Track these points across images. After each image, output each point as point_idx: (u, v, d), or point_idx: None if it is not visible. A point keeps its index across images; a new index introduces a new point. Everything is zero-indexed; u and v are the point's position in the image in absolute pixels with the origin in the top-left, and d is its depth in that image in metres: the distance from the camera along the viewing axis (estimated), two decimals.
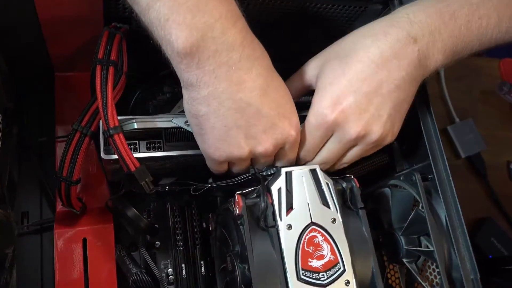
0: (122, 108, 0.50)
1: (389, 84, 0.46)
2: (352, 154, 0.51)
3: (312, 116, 0.48)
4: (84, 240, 0.55)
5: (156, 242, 0.60)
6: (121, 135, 0.44)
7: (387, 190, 0.58)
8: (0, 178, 0.52)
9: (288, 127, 0.46)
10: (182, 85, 0.43)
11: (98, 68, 0.45)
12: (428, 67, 0.48)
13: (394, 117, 0.48)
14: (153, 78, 0.65)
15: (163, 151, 0.48)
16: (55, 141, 0.60)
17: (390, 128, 0.48)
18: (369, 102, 0.46)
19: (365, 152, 0.51)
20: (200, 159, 0.49)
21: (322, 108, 0.47)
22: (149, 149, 0.48)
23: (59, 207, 0.57)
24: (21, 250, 0.58)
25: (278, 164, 0.49)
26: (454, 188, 0.51)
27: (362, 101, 0.46)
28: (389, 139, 0.49)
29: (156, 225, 0.58)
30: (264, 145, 0.45)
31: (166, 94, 0.69)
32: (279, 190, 0.46)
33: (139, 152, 0.48)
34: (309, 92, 0.52)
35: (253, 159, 0.48)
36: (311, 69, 0.51)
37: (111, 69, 0.46)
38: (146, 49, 0.61)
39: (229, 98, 0.42)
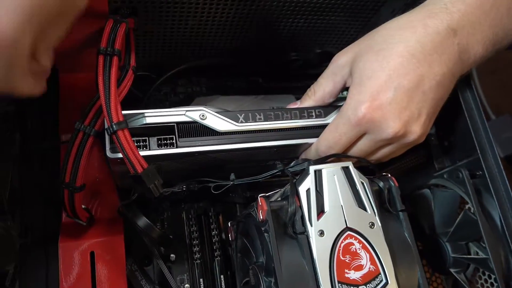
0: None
1: (431, 80, 0.42)
2: (382, 153, 0.47)
3: (347, 111, 0.43)
4: (92, 254, 0.50)
5: (171, 255, 0.54)
6: (126, 132, 0.39)
7: (426, 191, 0.52)
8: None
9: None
10: None
11: (101, 58, 0.41)
12: (467, 61, 0.44)
13: (432, 116, 0.45)
14: (165, 77, 0.61)
15: (176, 147, 0.43)
16: (59, 147, 0.55)
17: (428, 128, 0.45)
18: (410, 99, 0.42)
19: (397, 151, 0.47)
20: (217, 156, 0.44)
21: (359, 103, 0.42)
22: (160, 146, 0.43)
23: (65, 217, 0.52)
24: (24, 266, 0.53)
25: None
26: (508, 185, 0.45)
27: (402, 98, 0.42)
28: (423, 139, 0.45)
29: (170, 236, 0.53)
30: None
31: (179, 95, 0.64)
32: (308, 191, 0.41)
33: (149, 149, 0.42)
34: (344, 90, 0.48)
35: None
36: (342, 65, 0.46)
37: (114, 59, 0.41)
38: (156, 45, 0.58)
39: None
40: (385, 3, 0.57)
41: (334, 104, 0.48)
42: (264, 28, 0.57)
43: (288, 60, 0.64)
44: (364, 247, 0.40)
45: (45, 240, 0.56)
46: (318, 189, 0.41)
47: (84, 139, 0.42)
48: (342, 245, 0.39)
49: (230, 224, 0.53)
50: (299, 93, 0.53)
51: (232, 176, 0.46)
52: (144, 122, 0.42)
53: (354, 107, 0.42)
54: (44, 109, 0.60)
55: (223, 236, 0.57)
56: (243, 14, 0.53)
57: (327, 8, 0.55)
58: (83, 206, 0.49)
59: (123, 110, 0.42)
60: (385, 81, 0.42)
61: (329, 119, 0.47)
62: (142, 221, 0.48)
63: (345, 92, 0.49)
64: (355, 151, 0.46)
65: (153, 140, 0.42)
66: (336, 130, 0.44)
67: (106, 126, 0.40)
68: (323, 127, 0.46)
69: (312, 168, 0.41)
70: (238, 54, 0.62)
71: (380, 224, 0.41)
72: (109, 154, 0.41)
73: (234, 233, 0.52)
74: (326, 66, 0.49)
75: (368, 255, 0.40)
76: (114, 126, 0.38)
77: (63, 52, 0.54)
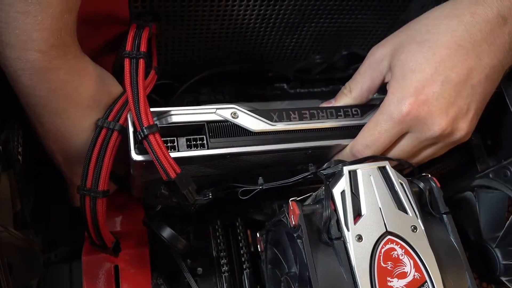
0: None
1: (479, 73, 0.39)
2: (426, 154, 0.43)
3: (390, 106, 0.40)
4: (116, 268, 0.48)
5: (198, 269, 0.52)
6: (157, 136, 0.37)
7: (469, 194, 0.48)
8: (21, 200, 0.46)
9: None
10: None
11: (127, 61, 0.39)
12: None
13: (479, 111, 0.42)
14: (187, 85, 0.59)
15: (208, 148, 0.40)
16: None
17: (474, 125, 0.42)
18: (457, 93, 0.39)
19: (440, 151, 0.44)
20: (249, 159, 0.41)
21: (403, 98, 0.39)
22: (190, 147, 0.39)
23: None
24: (48, 282, 0.51)
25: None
26: None
27: (450, 92, 0.39)
28: (469, 137, 0.42)
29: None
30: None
31: (201, 104, 0.63)
32: (343, 193, 0.38)
33: (178, 151, 0.39)
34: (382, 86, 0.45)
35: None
36: (381, 58, 0.43)
37: (141, 62, 0.39)
38: (178, 52, 0.57)
39: None
40: None
41: (371, 103, 0.46)
42: (287, 31, 0.55)
43: (313, 63, 0.62)
44: (407, 252, 0.37)
45: (70, 255, 0.54)
46: (353, 191, 0.38)
47: (108, 136, 0.39)
48: (382, 250, 0.36)
49: (259, 234, 0.51)
50: (326, 98, 0.51)
51: (261, 181, 0.43)
52: (171, 121, 0.40)
53: (397, 103, 0.39)
54: None
55: (252, 248, 0.55)
56: (265, 16, 0.51)
57: (353, 7, 0.53)
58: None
59: None
60: (431, 74, 0.39)
61: (367, 119, 0.44)
62: (167, 232, 0.46)
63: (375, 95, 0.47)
64: (396, 152, 0.42)
65: (182, 141, 0.39)
66: (376, 128, 0.41)
67: (134, 130, 0.38)
68: (360, 127, 0.43)
69: (346, 169, 0.38)
70: (261, 59, 0.60)
71: (423, 228, 0.38)
72: (134, 156, 0.38)
73: (263, 243, 0.49)
74: (353, 68, 0.47)
75: (412, 261, 0.36)
76: (145, 130, 0.36)
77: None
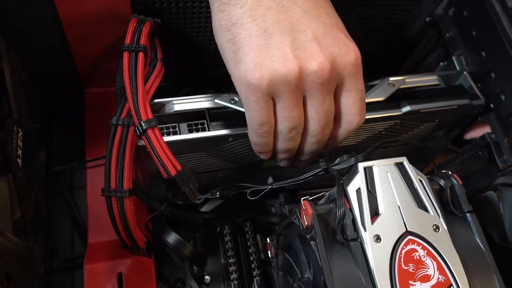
0: None
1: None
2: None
3: None
4: (120, 276, 0.45)
5: (206, 277, 0.50)
6: (156, 130, 0.35)
7: (491, 193, 0.45)
8: (21, 207, 0.44)
9: (347, 41, 0.35)
10: None
11: (126, 54, 0.38)
12: None
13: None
14: (191, 87, 0.58)
15: (208, 131, 0.40)
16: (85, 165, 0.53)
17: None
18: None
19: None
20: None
21: None
22: (191, 131, 0.40)
23: (92, 238, 0.49)
24: None
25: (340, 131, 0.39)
26: None
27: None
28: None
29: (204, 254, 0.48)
30: (318, 58, 0.33)
31: None
32: (358, 191, 0.35)
33: (180, 134, 0.40)
34: None
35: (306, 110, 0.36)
36: None
37: (140, 55, 0.38)
38: (182, 51, 0.55)
39: None
40: None
41: None
42: None
43: None
44: (429, 253, 0.34)
45: (72, 263, 0.52)
46: (369, 188, 0.36)
47: (125, 133, 0.38)
48: (403, 252, 0.33)
49: (269, 239, 0.48)
50: None
51: (270, 180, 0.41)
52: (174, 110, 0.41)
53: None
54: (70, 127, 0.58)
55: (262, 255, 0.52)
56: None
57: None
58: None
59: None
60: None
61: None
62: (172, 238, 0.44)
63: None
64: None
65: (183, 126, 0.40)
66: None
67: (133, 125, 0.37)
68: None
69: (361, 165, 0.36)
70: None
71: (446, 227, 0.35)
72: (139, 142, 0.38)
73: (274, 249, 0.47)
74: None
75: (435, 263, 0.34)
76: (143, 124, 0.35)
77: (87, 64, 0.52)
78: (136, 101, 0.36)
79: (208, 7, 0.47)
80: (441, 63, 0.55)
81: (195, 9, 0.47)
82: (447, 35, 0.53)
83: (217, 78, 0.59)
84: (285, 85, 0.34)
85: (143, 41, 0.39)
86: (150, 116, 0.35)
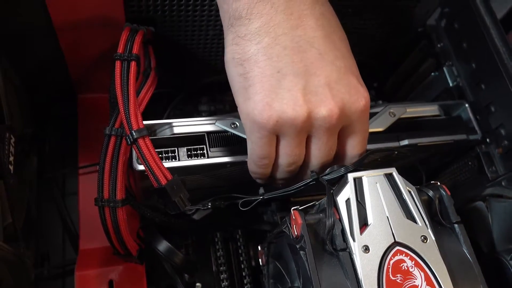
0: None
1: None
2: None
3: None
4: (111, 283, 0.46)
5: (197, 284, 0.50)
6: (147, 140, 0.36)
7: (480, 203, 0.46)
8: (12, 213, 0.44)
9: (359, 86, 0.35)
10: (226, 26, 0.35)
11: (118, 63, 0.38)
12: None
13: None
14: (185, 94, 0.58)
15: (208, 157, 0.40)
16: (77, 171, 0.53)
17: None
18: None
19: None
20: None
21: None
22: (190, 156, 0.40)
23: (83, 245, 0.49)
24: None
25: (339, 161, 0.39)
26: None
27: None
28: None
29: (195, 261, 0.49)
30: (328, 104, 0.34)
31: (201, 114, 0.61)
32: (348, 201, 0.36)
33: (179, 160, 0.39)
34: None
35: (308, 147, 0.37)
36: None
37: (132, 64, 0.38)
38: (176, 58, 0.55)
39: (285, 34, 0.33)
40: None
41: None
42: None
43: None
44: (417, 264, 0.34)
45: (63, 270, 0.52)
46: (359, 199, 0.36)
47: (118, 143, 0.38)
48: (391, 262, 0.34)
49: (260, 247, 0.48)
50: None
51: (261, 190, 0.41)
52: (173, 132, 0.40)
53: None
54: (63, 132, 0.58)
55: (253, 262, 0.52)
56: None
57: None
58: None
59: (148, 120, 0.40)
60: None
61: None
62: (163, 245, 0.44)
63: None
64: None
65: (183, 151, 0.40)
66: None
67: (124, 135, 0.37)
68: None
69: (351, 176, 0.36)
70: None
71: (434, 238, 0.35)
72: (136, 165, 0.38)
73: (265, 257, 0.47)
74: None
75: (422, 273, 0.34)
76: (134, 134, 0.35)
77: (80, 70, 0.52)
78: (128, 111, 0.36)
79: (203, 15, 0.48)
80: (432, 73, 0.55)
81: (188, 17, 0.48)
82: (439, 45, 0.54)
83: (211, 85, 0.59)
84: (291, 127, 0.34)
85: (135, 50, 0.39)
86: (142, 125, 0.36)
